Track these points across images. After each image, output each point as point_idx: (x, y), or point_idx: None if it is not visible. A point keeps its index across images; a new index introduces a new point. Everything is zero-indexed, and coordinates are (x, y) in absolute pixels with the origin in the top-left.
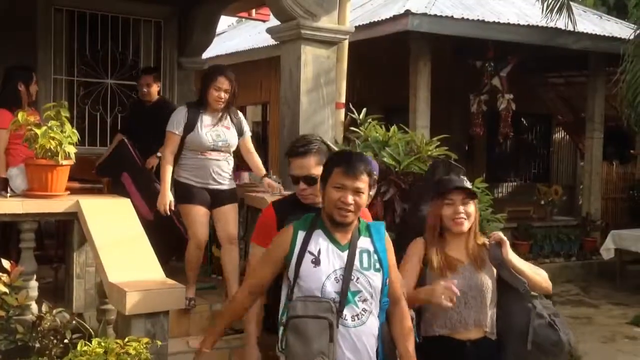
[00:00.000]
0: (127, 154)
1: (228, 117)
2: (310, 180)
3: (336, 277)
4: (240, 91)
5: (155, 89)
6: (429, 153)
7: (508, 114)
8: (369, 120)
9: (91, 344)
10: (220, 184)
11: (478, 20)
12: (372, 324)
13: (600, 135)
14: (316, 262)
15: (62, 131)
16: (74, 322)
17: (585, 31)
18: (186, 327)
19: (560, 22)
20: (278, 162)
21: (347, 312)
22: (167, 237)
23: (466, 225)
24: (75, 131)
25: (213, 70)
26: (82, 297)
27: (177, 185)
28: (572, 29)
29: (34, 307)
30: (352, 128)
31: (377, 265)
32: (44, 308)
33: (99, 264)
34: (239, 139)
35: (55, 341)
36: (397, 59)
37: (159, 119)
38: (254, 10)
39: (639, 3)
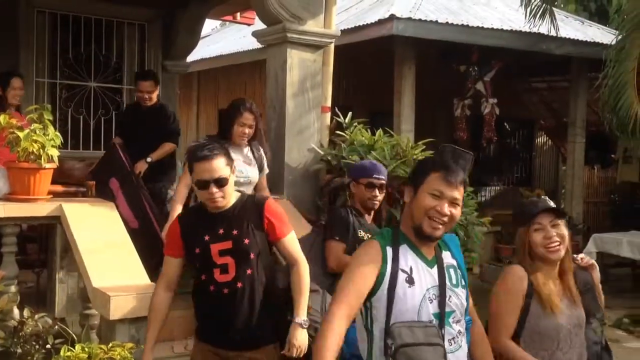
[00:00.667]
0: (117, 158)
1: (250, 152)
2: (222, 182)
3: (430, 297)
4: (224, 95)
5: (156, 94)
6: (415, 157)
7: (492, 119)
8: (354, 124)
9: (74, 349)
10: None
11: (462, 25)
12: (466, 347)
13: (582, 140)
14: (410, 280)
15: (45, 134)
16: (56, 327)
17: (567, 36)
18: (170, 331)
19: (544, 28)
20: None
21: (445, 336)
22: (150, 245)
23: (562, 252)
24: (59, 134)
25: (238, 105)
26: (65, 302)
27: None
28: (555, 35)
29: (15, 312)
30: (337, 132)
31: (463, 282)
32: (26, 313)
33: (83, 268)
34: (259, 175)
35: (37, 347)
36: (382, 63)
37: (156, 123)
38: (238, 14)
39: (619, 9)
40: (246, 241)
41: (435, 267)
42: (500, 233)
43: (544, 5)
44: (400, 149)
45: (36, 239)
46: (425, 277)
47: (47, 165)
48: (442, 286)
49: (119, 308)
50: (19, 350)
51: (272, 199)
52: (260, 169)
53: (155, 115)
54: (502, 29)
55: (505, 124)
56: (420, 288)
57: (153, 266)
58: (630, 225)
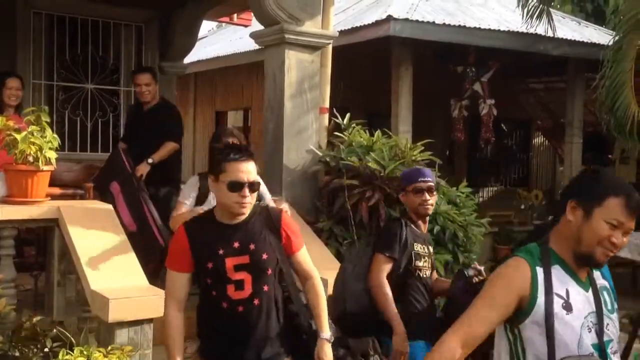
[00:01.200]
0: (119, 161)
1: None
2: (255, 186)
3: (588, 326)
4: (221, 97)
5: (154, 88)
6: (414, 158)
7: (489, 119)
8: (352, 125)
9: (73, 352)
10: None
11: (459, 26)
12: None
13: (579, 140)
14: (567, 307)
15: (42, 136)
16: (54, 330)
17: (564, 37)
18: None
19: (540, 28)
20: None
21: None
22: (149, 249)
23: None
24: (56, 136)
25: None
26: (63, 305)
27: None
28: (551, 35)
29: (13, 315)
30: (336, 133)
31: (616, 305)
32: (24, 316)
33: (81, 271)
34: None
35: (35, 350)
36: (379, 64)
37: (156, 122)
38: (235, 15)
39: (616, 10)
40: (264, 256)
41: (590, 290)
42: (498, 234)
43: (540, 6)
44: (399, 150)
45: (34, 241)
46: (583, 302)
47: (45, 168)
48: (599, 313)
49: (117, 311)
50: (17, 354)
51: (286, 213)
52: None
53: (155, 113)
54: (499, 30)
55: (502, 124)
56: (578, 315)
57: (151, 270)
58: None
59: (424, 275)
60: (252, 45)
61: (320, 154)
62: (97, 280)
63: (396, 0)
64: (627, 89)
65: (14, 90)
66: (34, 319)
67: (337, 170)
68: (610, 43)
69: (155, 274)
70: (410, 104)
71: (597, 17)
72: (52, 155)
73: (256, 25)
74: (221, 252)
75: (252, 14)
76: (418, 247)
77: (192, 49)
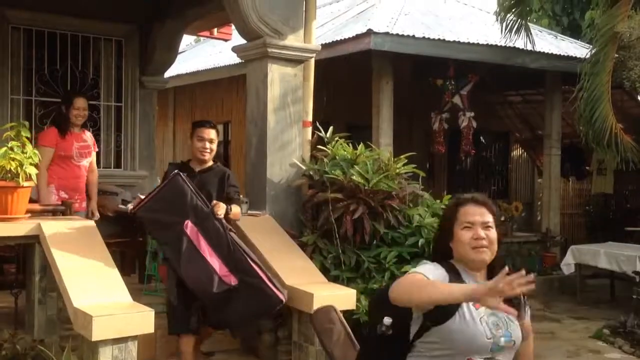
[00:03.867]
0: (187, 195)
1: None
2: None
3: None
4: (201, 111)
5: (215, 146)
6: (397, 171)
7: (469, 132)
8: (336, 139)
9: None
10: None
11: (439, 39)
12: None
13: (557, 152)
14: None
15: (23, 152)
16: (36, 349)
17: (542, 50)
18: (152, 352)
19: (519, 42)
20: (243, 182)
21: None
22: (261, 305)
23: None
24: (37, 151)
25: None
26: (44, 323)
27: None
28: (530, 49)
29: None
30: (319, 146)
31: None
32: (5, 335)
33: (63, 288)
34: None
35: None
36: (359, 77)
37: (216, 192)
38: (215, 29)
39: (592, 23)
40: None
41: None
42: None
43: (519, 20)
44: (383, 163)
45: (13, 259)
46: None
47: (26, 184)
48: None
49: (101, 328)
50: None
51: None
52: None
53: (211, 180)
54: (478, 43)
55: (481, 137)
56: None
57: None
58: (605, 236)
59: None
60: (232, 59)
61: (304, 167)
62: (80, 297)
63: (376, 14)
64: (604, 101)
65: (81, 110)
66: (15, 338)
67: (321, 183)
68: (587, 56)
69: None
70: (391, 116)
71: (573, 30)
72: (33, 171)
73: (236, 39)
74: None
75: (233, 28)
76: None
77: (173, 63)
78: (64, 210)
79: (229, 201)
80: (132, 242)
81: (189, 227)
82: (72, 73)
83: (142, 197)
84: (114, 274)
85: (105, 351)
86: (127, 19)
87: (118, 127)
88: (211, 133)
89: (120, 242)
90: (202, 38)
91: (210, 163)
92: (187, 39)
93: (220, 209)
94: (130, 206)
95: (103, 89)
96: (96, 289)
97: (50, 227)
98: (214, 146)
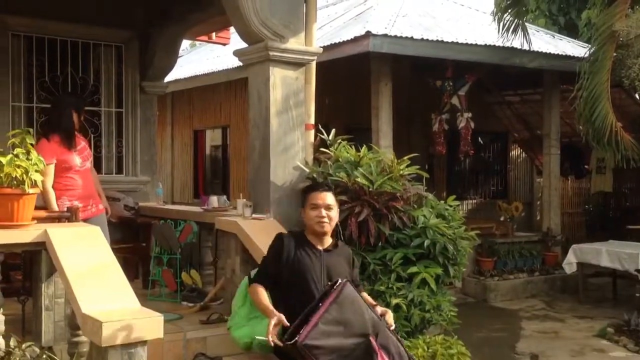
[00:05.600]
0: (361, 302)
1: None
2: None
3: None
4: (199, 115)
5: (335, 214)
6: (401, 172)
7: (468, 132)
8: (338, 141)
9: None
10: None
11: (437, 40)
12: None
13: (557, 152)
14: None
15: (28, 158)
16: (44, 356)
17: (540, 50)
18: (160, 356)
19: (516, 42)
20: (246, 185)
21: None
22: None
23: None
24: (42, 158)
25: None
26: (52, 330)
27: None
28: (527, 48)
29: (1, 341)
30: (321, 149)
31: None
32: (13, 342)
33: (71, 294)
34: None
35: None
36: (358, 79)
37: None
38: (214, 34)
39: (589, 22)
40: None
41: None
42: (480, 246)
43: (516, 20)
44: (386, 164)
45: (20, 266)
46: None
47: (31, 191)
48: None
49: (111, 334)
50: None
51: None
52: None
53: (340, 259)
54: (476, 44)
55: (479, 137)
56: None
57: None
58: (605, 235)
59: None
60: (230, 63)
61: (308, 170)
62: (89, 303)
63: (374, 16)
64: (604, 99)
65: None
66: (23, 346)
67: None
68: (586, 55)
69: None
70: (390, 118)
71: (569, 30)
72: (38, 177)
73: (235, 44)
74: None
75: (231, 32)
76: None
77: (173, 68)
78: (69, 216)
79: (356, 289)
80: (135, 247)
81: (374, 345)
82: (73, 79)
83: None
84: (122, 279)
85: (115, 357)
86: (127, 24)
87: (119, 133)
88: (327, 197)
89: (123, 247)
90: (197, 43)
91: (331, 239)
92: (182, 44)
93: (390, 317)
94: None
95: (104, 95)
96: (105, 294)
97: (57, 234)
98: (334, 213)
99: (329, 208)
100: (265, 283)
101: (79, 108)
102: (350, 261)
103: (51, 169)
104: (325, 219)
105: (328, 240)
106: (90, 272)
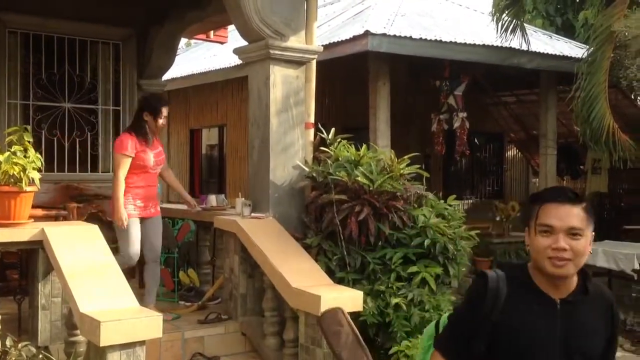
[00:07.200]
0: None
1: None
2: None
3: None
4: (196, 114)
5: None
6: (401, 171)
7: (464, 132)
8: (338, 140)
9: None
10: None
11: (436, 40)
12: None
13: (553, 152)
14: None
15: (25, 156)
16: (40, 356)
17: (537, 50)
18: (157, 356)
19: (514, 42)
20: (243, 185)
21: None
22: None
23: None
24: (40, 156)
25: None
26: (48, 329)
27: None
28: (526, 49)
29: None
30: (321, 148)
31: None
32: (9, 342)
33: (69, 293)
34: None
35: None
36: (356, 78)
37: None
38: (212, 32)
39: (585, 23)
40: None
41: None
42: (476, 246)
43: (514, 20)
44: (386, 163)
45: (16, 265)
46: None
47: (29, 189)
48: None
49: (109, 334)
50: None
51: None
52: None
53: (591, 319)
54: (474, 44)
55: (476, 138)
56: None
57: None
58: (601, 235)
59: None
60: (227, 62)
61: (307, 169)
62: (87, 302)
63: (372, 15)
64: (602, 100)
65: (164, 119)
66: (19, 345)
67: (324, 185)
68: (584, 55)
69: None
70: (388, 118)
71: (566, 30)
72: (36, 175)
73: (233, 42)
74: None
75: (229, 31)
76: None
77: (171, 66)
78: (66, 214)
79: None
80: None
81: None
82: (70, 77)
83: None
84: (120, 278)
85: (113, 356)
86: (125, 22)
87: (117, 131)
88: (572, 214)
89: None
90: (192, 41)
91: (576, 278)
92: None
93: None
94: None
95: (101, 93)
96: (103, 293)
97: (54, 232)
98: (582, 243)
99: (574, 234)
100: (454, 351)
101: (152, 110)
102: (609, 319)
103: (128, 160)
104: (567, 254)
105: (570, 283)
106: (88, 271)
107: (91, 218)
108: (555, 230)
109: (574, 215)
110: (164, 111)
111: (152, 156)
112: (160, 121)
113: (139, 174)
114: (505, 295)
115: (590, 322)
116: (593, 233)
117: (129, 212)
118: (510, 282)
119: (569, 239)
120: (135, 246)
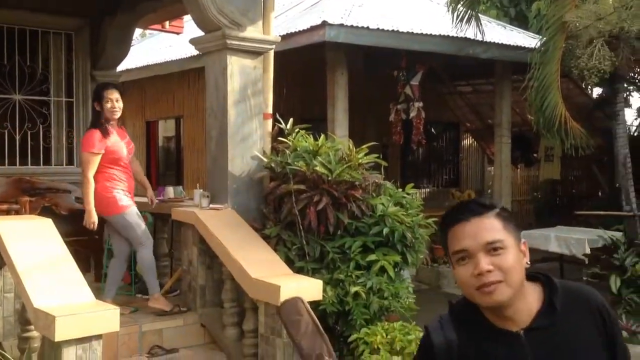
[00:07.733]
0: None
1: None
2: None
3: None
4: (151, 106)
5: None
6: (359, 161)
7: (420, 122)
8: (296, 130)
9: None
10: None
11: (393, 30)
12: None
13: (508, 141)
14: None
15: None
16: None
17: (492, 41)
18: (114, 350)
19: (469, 32)
20: (201, 177)
21: None
22: None
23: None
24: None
25: None
26: (1, 326)
27: None
28: (481, 39)
29: None
30: (280, 138)
31: None
32: None
33: (22, 288)
34: None
35: None
36: (313, 68)
37: None
38: (167, 23)
39: (538, 14)
40: None
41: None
42: (434, 234)
43: (469, 11)
44: (345, 153)
45: None
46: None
47: None
48: None
49: (65, 329)
50: None
51: None
52: None
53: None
54: (431, 34)
55: (432, 127)
56: None
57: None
58: (553, 221)
59: None
60: (183, 52)
61: (266, 160)
62: (41, 297)
63: (329, 5)
64: (554, 89)
65: (114, 102)
66: None
67: (283, 175)
68: (537, 45)
69: None
70: (346, 108)
71: (520, 21)
72: None
73: (188, 33)
74: None
75: (184, 21)
76: None
77: (126, 56)
78: (18, 209)
79: None
80: (88, 240)
81: None
82: (20, 68)
83: None
84: (75, 272)
85: (69, 351)
86: (77, 12)
87: (69, 123)
88: (480, 230)
89: (75, 240)
90: (147, 32)
91: (535, 296)
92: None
93: None
94: None
95: (53, 84)
96: (58, 288)
97: (6, 227)
98: (511, 255)
99: (494, 249)
100: None
101: (97, 98)
102: (600, 325)
103: (96, 158)
104: (494, 276)
105: (525, 306)
106: (42, 266)
107: (44, 212)
108: (470, 252)
109: (485, 228)
110: (109, 94)
111: (124, 145)
112: (108, 105)
113: (118, 166)
114: (457, 344)
115: (575, 339)
116: (523, 240)
117: (125, 203)
118: (460, 327)
119: (490, 257)
120: (142, 226)
